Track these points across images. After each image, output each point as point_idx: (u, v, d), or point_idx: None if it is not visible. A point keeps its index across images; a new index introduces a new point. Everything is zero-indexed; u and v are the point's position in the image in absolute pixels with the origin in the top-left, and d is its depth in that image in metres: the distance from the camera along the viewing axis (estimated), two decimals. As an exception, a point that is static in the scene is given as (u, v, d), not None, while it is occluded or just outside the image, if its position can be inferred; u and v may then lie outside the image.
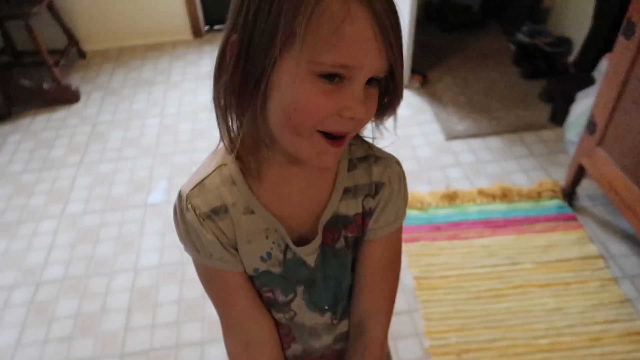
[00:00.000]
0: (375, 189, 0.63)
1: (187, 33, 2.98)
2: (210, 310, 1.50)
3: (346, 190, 0.63)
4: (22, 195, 1.97)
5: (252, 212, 0.60)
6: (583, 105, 1.82)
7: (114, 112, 2.43)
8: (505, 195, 1.79)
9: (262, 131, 0.54)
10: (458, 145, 2.07)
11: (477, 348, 1.36)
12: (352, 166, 0.63)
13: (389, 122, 0.60)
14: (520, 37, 2.47)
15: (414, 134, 2.14)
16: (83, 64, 2.82)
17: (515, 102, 2.25)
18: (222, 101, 0.53)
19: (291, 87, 0.48)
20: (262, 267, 0.63)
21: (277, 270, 0.64)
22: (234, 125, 0.55)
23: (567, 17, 2.48)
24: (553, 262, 1.56)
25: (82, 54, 2.86)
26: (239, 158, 0.58)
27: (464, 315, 1.44)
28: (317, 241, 0.63)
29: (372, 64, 0.47)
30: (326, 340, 0.74)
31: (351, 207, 0.63)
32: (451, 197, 1.80)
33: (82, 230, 1.81)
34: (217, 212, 0.59)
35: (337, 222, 0.63)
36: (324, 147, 0.51)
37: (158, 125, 2.31)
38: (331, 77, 0.47)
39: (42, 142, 2.25)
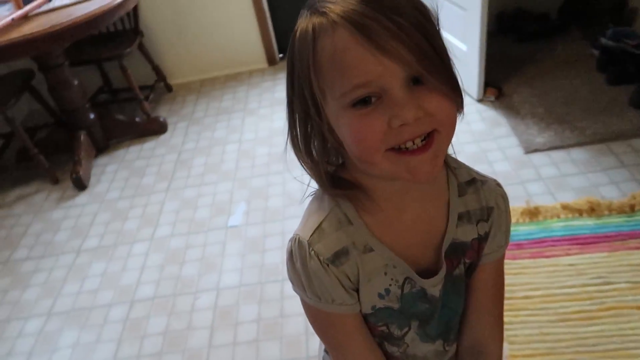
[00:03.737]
0: (487, 214, 0.64)
1: (262, 62, 3.13)
2: (287, 330, 1.54)
3: (460, 216, 0.62)
4: (118, 220, 2.15)
5: (371, 250, 0.59)
6: (680, 110, 1.67)
7: (197, 140, 2.59)
8: (593, 210, 1.68)
9: (354, 169, 0.58)
10: (538, 158, 1.97)
11: (567, 374, 1.27)
12: (462, 191, 0.63)
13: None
14: (604, 41, 2.33)
15: (490, 148, 2.07)
16: (170, 97, 3.05)
17: (601, 110, 2.11)
18: (304, 147, 0.58)
19: (340, 129, 0.52)
20: (380, 304, 0.63)
21: (395, 305, 0.63)
22: (320, 167, 0.58)
23: (658, 16, 2.30)
24: (652, 282, 1.43)
25: (169, 88, 3.09)
26: (349, 195, 0.59)
27: (551, 339, 1.35)
28: (443, 271, 0.62)
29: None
30: None
31: (468, 233, 0.63)
32: (532, 213, 1.71)
33: (169, 251, 1.93)
34: (340, 255, 0.59)
35: (457, 249, 0.63)
36: (409, 160, 0.50)
37: (237, 151, 2.43)
38: (365, 102, 0.48)
39: (135, 171, 2.45)
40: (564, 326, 1.37)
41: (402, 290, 0.62)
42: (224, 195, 2.17)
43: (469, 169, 0.65)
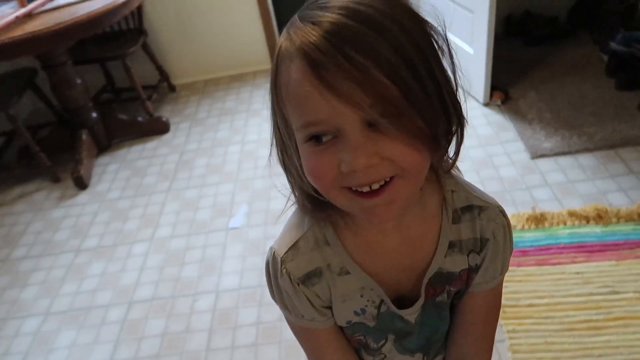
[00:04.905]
0: (481, 245, 0.60)
1: (266, 63, 3.11)
2: (287, 334, 1.51)
3: (451, 245, 0.59)
4: (118, 220, 2.13)
5: (348, 273, 0.58)
6: (691, 116, 1.64)
7: (199, 140, 2.57)
8: (600, 217, 1.64)
9: None
10: (545, 164, 1.94)
11: (572, 386, 1.24)
12: (456, 218, 0.58)
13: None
14: (614, 45, 2.29)
15: (496, 153, 2.04)
16: (173, 97, 3.03)
17: (610, 116, 2.08)
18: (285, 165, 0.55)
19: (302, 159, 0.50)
20: (355, 319, 0.62)
21: (370, 323, 0.63)
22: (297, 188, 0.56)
23: (668, 21, 2.27)
24: (661, 292, 1.40)
25: (172, 88, 3.08)
26: (330, 216, 0.56)
27: (556, 349, 1.32)
28: (420, 302, 0.60)
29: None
30: None
31: (457, 263, 0.60)
32: (538, 220, 1.68)
33: (169, 252, 1.91)
34: (312, 276, 0.58)
35: (442, 278, 0.60)
36: (361, 202, 0.47)
37: (239, 152, 2.41)
38: (318, 139, 0.45)
39: (136, 171, 2.43)
40: (570, 336, 1.34)
41: (379, 310, 0.61)
42: (226, 196, 2.15)
43: (469, 194, 0.59)
